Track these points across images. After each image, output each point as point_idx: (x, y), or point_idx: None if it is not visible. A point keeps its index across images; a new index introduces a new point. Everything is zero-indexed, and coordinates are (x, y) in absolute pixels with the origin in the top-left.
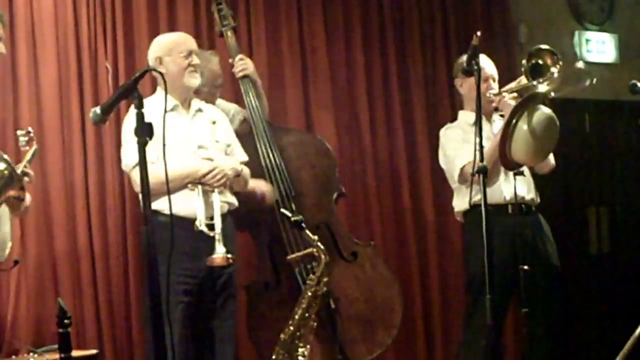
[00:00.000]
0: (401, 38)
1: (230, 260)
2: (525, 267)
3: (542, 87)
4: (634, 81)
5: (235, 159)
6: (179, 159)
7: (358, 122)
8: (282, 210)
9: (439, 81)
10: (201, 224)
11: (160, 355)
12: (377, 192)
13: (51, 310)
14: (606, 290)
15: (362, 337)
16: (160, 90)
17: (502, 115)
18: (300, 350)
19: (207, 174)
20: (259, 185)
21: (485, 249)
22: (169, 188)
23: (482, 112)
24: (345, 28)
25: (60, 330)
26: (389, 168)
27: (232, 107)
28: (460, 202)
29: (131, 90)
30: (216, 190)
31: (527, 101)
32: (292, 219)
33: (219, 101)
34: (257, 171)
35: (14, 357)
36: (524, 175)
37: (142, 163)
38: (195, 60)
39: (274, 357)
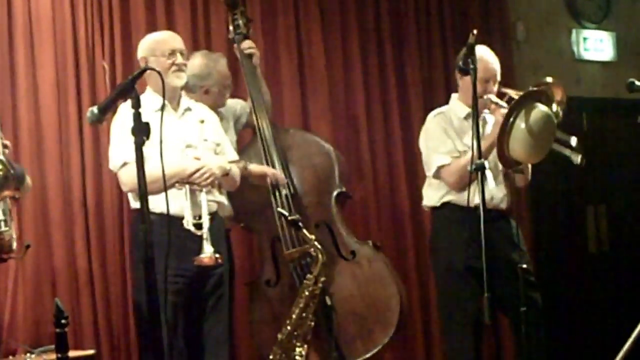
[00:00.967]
0: (398, 37)
1: (219, 260)
2: (524, 266)
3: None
4: (631, 79)
5: (224, 158)
6: (167, 159)
7: (355, 120)
8: (279, 209)
9: (435, 79)
10: (188, 223)
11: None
12: (374, 189)
13: (48, 310)
14: (605, 289)
15: (358, 335)
16: (149, 90)
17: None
18: (297, 350)
19: (194, 173)
20: (264, 169)
21: (483, 247)
22: (157, 187)
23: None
24: (342, 25)
25: (58, 330)
26: (386, 166)
27: (239, 103)
28: (430, 197)
29: (128, 90)
30: (204, 189)
31: (525, 99)
32: (289, 217)
33: (235, 100)
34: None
35: (11, 357)
36: (523, 174)
37: (139, 163)
38: (179, 59)
39: (271, 356)
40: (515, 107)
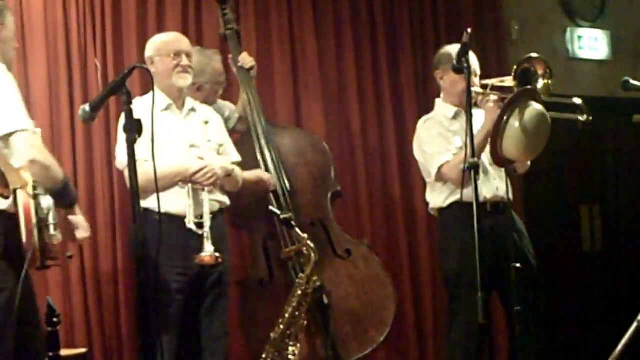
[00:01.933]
0: (392, 35)
1: (219, 260)
2: (518, 265)
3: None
4: (626, 78)
5: (227, 158)
6: (171, 158)
7: (348, 119)
8: (271, 208)
9: (429, 78)
10: (190, 222)
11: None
12: (367, 188)
13: (40, 309)
14: (599, 288)
15: (353, 334)
16: (156, 90)
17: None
18: (290, 349)
19: (197, 172)
20: (259, 174)
21: (477, 247)
22: (160, 186)
23: (460, 106)
24: (336, 24)
25: (49, 329)
26: (379, 164)
27: (228, 106)
28: (436, 198)
29: (120, 87)
30: (206, 189)
31: (519, 97)
32: (282, 216)
33: (223, 103)
34: (254, 167)
35: None
36: (516, 172)
37: (131, 160)
38: (184, 61)
39: (264, 355)
40: (509, 106)
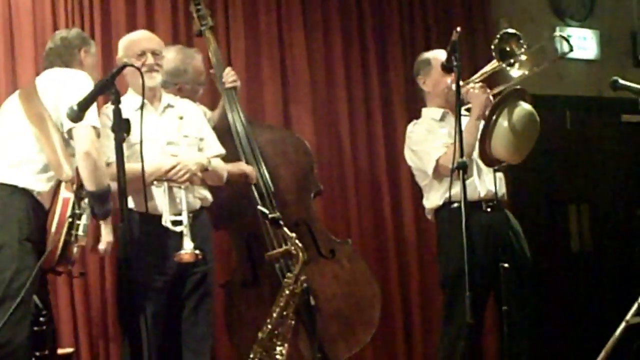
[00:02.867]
0: (381, 35)
1: (199, 257)
2: (506, 265)
3: (515, 72)
4: (615, 77)
5: (205, 153)
6: (147, 157)
7: (336, 120)
8: (260, 207)
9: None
10: (166, 221)
11: (135, 352)
12: (355, 189)
13: None
14: (587, 288)
15: (340, 335)
16: (130, 91)
17: (467, 109)
18: (278, 349)
19: (170, 170)
20: (240, 166)
21: (465, 246)
22: (135, 187)
23: (448, 106)
24: (324, 25)
25: (36, 328)
26: (367, 165)
27: (205, 111)
28: (431, 200)
29: (108, 87)
30: (182, 186)
31: (508, 97)
32: (270, 216)
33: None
34: None
35: None
36: (503, 171)
37: (119, 159)
38: (149, 60)
39: (251, 355)
40: (498, 105)
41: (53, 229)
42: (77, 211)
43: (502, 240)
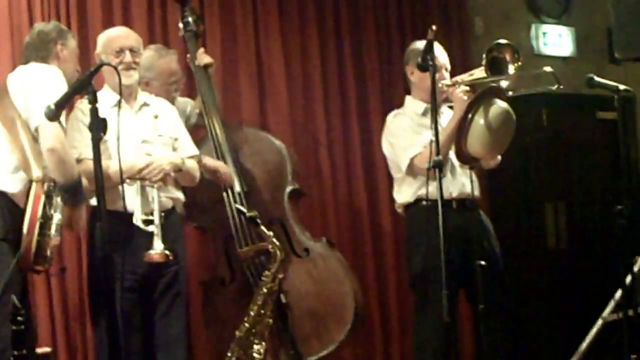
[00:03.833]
0: (357, 33)
1: (170, 257)
2: (483, 263)
3: (502, 83)
4: (590, 75)
5: (179, 153)
6: (121, 155)
7: (313, 118)
8: (237, 206)
9: (394, 76)
10: (137, 220)
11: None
12: (332, 187)
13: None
14: (564, 286)
15: (314, 333)
16: (105, 87)
17: (450, 107)
18: (255, 347)
19: (144, 169)
20: (217, 165)
21: (442, 244)
22: (108, 185)
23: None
24: (300, 23)
25: (14, 327)
26: (344, 163)
27: (189, 103)
28: (403, 195)
29: (85, 86)
30: (155, 185)
31: (484, 95)
32: (248, 214)
33: (184, 100)
34: None
35: None
36: (476, 169)
37: (97, 158)
38: (127, 57)
39: (229, 354)
40: (474, 103)
41: (25, 229)
42: (49, 211)
43: (471, 240)
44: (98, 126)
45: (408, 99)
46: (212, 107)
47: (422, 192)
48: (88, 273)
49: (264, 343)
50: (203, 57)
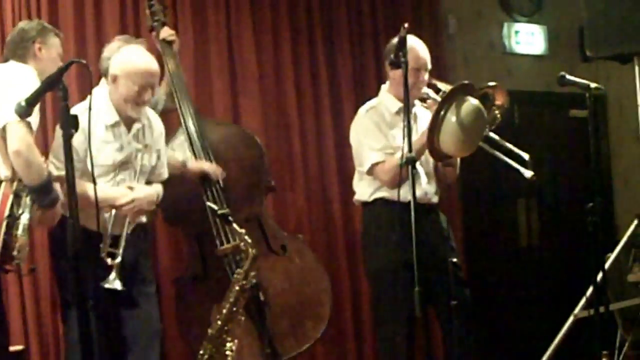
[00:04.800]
0: (329, 30)
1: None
2: (455, 260)
3: None
4: (562, 73)
5: (155, 184)
6: (102, 177)
7: (286, 114)
8: (209, 203)
9: (367, 72)
10: (103, 252)
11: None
12: (305, 183)
13: None
14: (536, 282)
15: (291, 330)
16: (106, 100)
17: (424, 106)
18: (228, 345)
19: (125, 205)
20: (201, 165)
21: (414, 242)
22: (84, 205)
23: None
24: (273, 19)
25: None
26: (316, 159)
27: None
28: (362, 192)
29: (56, 82)
30: (128, 219)
31: (456, 92)
32: (219, 212)
33: None
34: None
35: None
36: (453, 166)
37: (68, 156)
38: (147, 96)
39: (201, 352)
40: (446, 101)
41: None
42: (16, 211)
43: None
44: (68, 123)
45: (383, 89)
46: (184, 97)
47: (380, 194)
48: (56, 272)
49: (236, 341)
50: (167, 32)
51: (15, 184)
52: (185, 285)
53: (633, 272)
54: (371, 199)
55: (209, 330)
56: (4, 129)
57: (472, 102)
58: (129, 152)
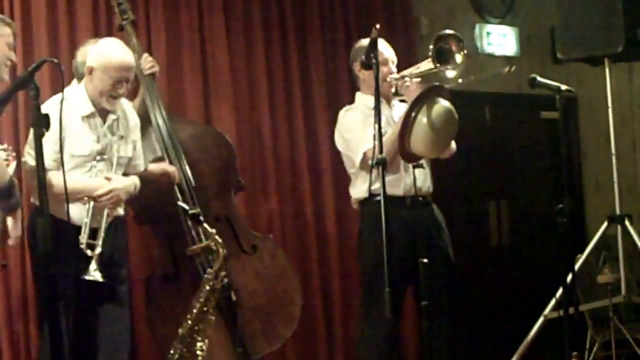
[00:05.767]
0: (302, 31)
1: (100, 280)
2: (425, 260)
3: (450, 73)
4: (533, 75)
5: (132, 176)
6: (79, 169)
7: (258, 115)
8: (180, 203)
9: (339, 74)
10: (83, 243)
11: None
12: (276, 184)
13: None
14: (506, 283)
15: (262, 330)
16: (82, 91)
17: (402, 101)
18: (198, 344)
19: (103, 195)
20: (163, 166)
21: (384, 241)
22: (62, 198)
23: (382, 96)
24: (245, 21)
25: None
26: (288, 160)
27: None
28: (357, 190)
29: (27, 82)
30: (106, 209)
31: (427, 94)
32: (190, 212)
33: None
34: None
35: None
36: (424, 168)
37: (39, 156)
38: (122, 90)
39: (172, 351)
40: (417, 102)
41: None
42: None
43: (422, 236)
44: (40, 123)
45: (358, 95)
46: (156, 100)
47: (376, 186)
48: (33, 267)
49: (206, 340)
50: (147, 63)
51: None
52: (156, 284)
53: (603, 273)
54: (367, 194)
55: (180, 330)
56: None
57: (443, 103)
58: (105, 143)
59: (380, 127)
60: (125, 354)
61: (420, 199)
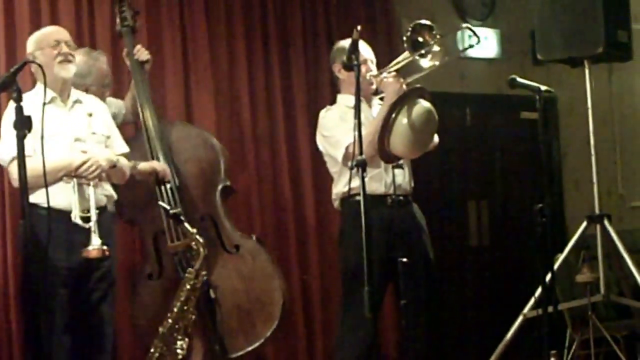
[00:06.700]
0: (283, 30)
1: (107, 253)
2: (404, 259)
3: (425, 62)
4: (513, 76)
5: (112, 151)
6: (55, 152)
7: (239, 113)
8: (160, 202)
9: (320, 73)
10: (76, 217)
11: (37, 347)
12: (257, 182)
13: None
14: (486, 282)
15: (240, 329)
16: (39, 85)
17: (382, 99)
18: (179, 343)
19: (81, 166)
20: (153, 165)
21: (364, 240)
22: (42, 182)
23: (362, 95)
24: (227, 21)
25: None
26: (269, 158)
27: (114, 102)
28: (340, 185)
29: (9, 83)
30: (91, 183)
31: (407, 95)
32: (171, 211)
33: (109, 99)
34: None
35: None
36: (403, 169)
37: (21, 156)
38: (64, 48)
39: (152, 350)
40: (398, 103)
41: None
42: None
43: (402, 235)
44: (23, 124)
45: (339, 96)
46: (147, 101)
47: (354, 185)
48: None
49: (187, 339)
50: (142, 53)
51: None
52: (139, 281)
53: (582, 272)
54: (347, 188)
55: (160, 329)
56: None
57: (423, 104)
58: (76, 123)
59: (360, 127)
60: (106, 352)
61: (401, 197)
